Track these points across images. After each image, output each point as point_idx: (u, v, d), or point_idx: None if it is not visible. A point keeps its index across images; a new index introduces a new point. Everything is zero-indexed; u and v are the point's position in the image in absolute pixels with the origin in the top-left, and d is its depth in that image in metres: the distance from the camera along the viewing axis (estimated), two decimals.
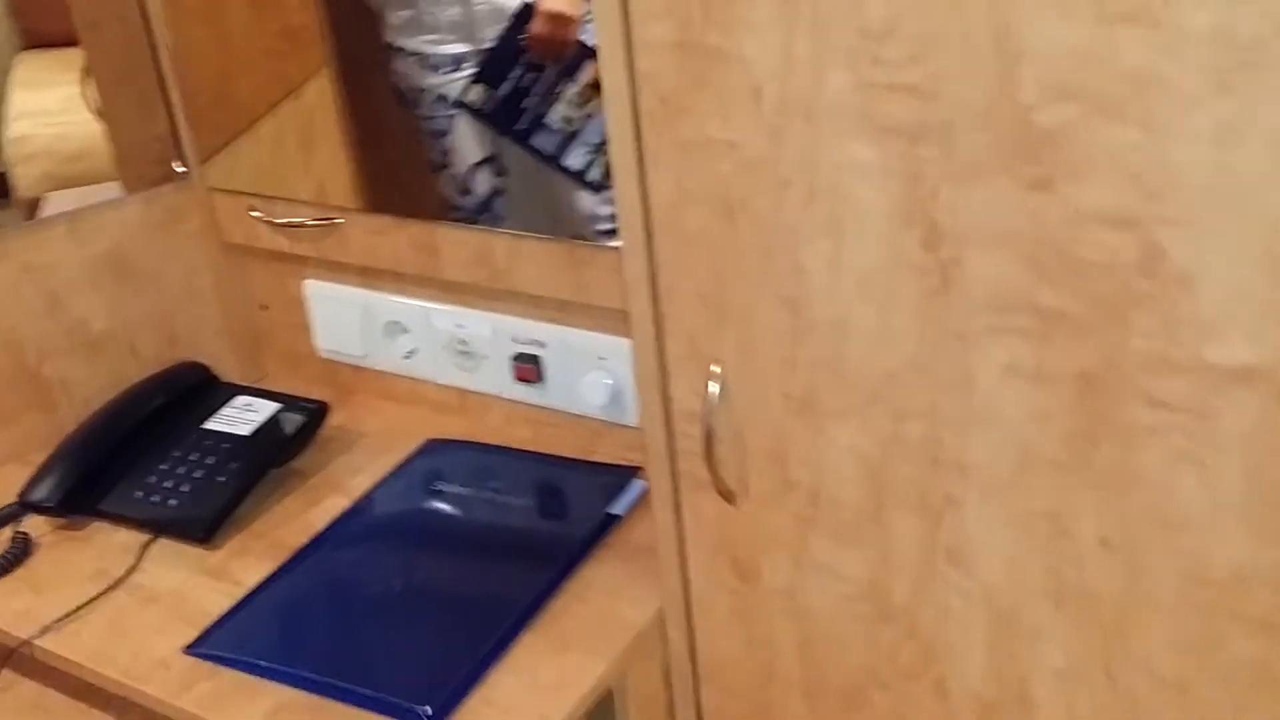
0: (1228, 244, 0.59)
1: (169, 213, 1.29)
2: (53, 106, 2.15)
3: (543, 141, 1.17)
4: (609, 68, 0.75)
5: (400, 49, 1.45)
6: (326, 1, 1.24)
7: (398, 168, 1.35)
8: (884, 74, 0.66)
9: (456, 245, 1.16)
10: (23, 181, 2.12)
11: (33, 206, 1.77)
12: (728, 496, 0.84)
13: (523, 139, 1.19)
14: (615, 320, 1.08)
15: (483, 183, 1.47)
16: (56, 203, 1.71)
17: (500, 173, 1.45)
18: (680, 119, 0.74)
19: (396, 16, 1.39)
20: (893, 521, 0.78)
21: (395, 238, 1.19)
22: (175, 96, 1.27)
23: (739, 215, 0.75)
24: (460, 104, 1.27)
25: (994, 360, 0.69)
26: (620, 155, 0.77)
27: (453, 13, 1.40)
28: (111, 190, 1.28)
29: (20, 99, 2.28)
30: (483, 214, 1.46)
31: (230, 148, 1.28)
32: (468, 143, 1.45)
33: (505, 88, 1.19)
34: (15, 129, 2.19)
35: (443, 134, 1.45)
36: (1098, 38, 0.58)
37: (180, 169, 1.28)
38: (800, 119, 0.70)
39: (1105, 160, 0.61)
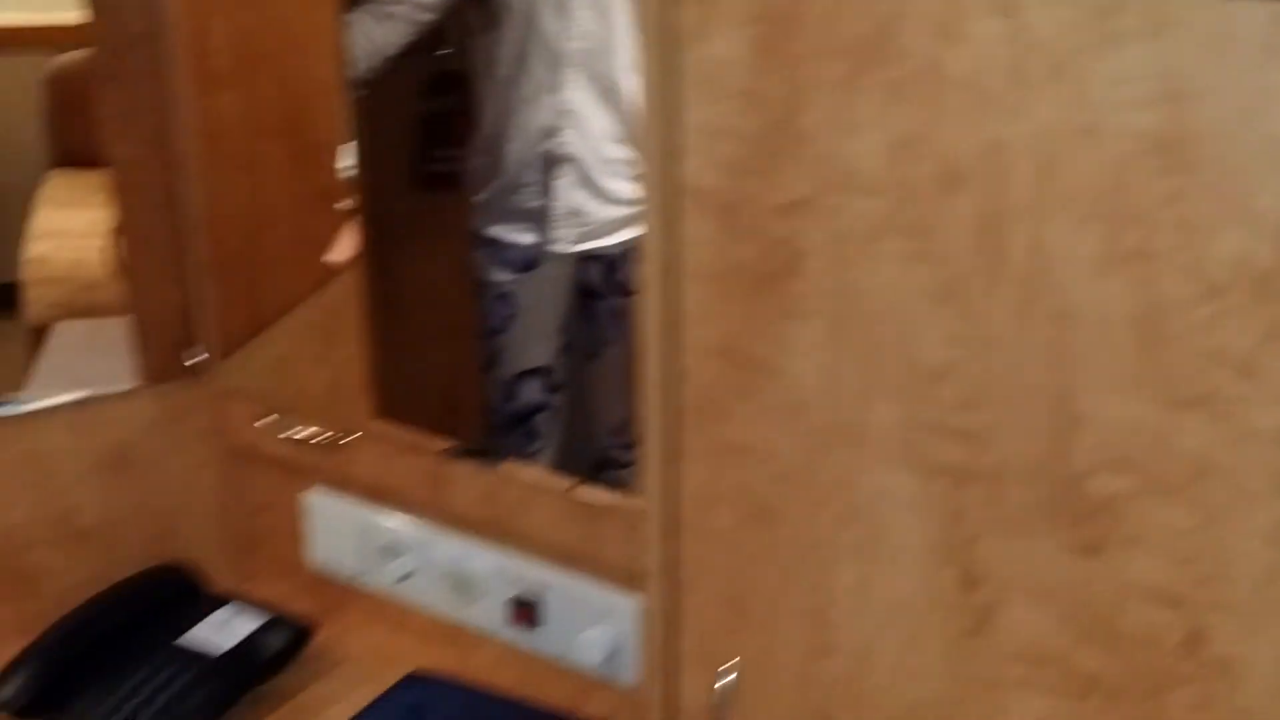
0: (1276, 642, 0.57)
1: (177, 410, 1.27)
2: (76, 228, 2.13)
3: None
4: (650, 363, 0.74)
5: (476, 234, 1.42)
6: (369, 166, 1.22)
7: (424, 374, 1.33)
8: (934, 413, 0.65)
9: (468, 480, 1.14)
10: (35, 306, 2.10)
11: (40, 333, 1.73)
12: None
13: None
14: (623, 574, 1.05)
15: (529, 392, 1.42)
16: (64, 334, 1.68)
17: (553, 388, 1.40)
18: (719, 422, 0.73)
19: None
20: None
21: (407, 463, 1.17)
22: (198, 265, 1.24)
23: (769, 523, 0.73)
24: None
25: (1024, 711, 0.66)
26: (652, 451, 0.76)
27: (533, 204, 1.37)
28: (117, 365, 1.25)
29: (45, 217, 2.28)
30: (517, 426, 1.40)
31: (247, 346, 1.27)
32: (523, 347, 1.41)
33: None
34: (36, 248, 2.19)
35: (497, 333, 1.42)
36: (1162, 419, 0.57)
37: (193, 359, 1.26)
38: (842, 442, 0.68)
39: (1157, 538, 0.59)
